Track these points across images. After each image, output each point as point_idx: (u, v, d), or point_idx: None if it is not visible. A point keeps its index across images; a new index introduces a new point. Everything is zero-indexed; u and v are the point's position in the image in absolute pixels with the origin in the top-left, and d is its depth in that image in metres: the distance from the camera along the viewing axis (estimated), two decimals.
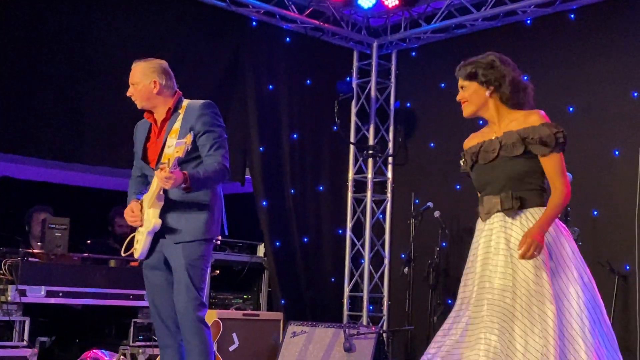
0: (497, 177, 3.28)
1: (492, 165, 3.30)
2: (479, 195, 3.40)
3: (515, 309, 3.09)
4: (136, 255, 3.89)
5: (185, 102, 3.98)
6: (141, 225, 3.87)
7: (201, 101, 3.96)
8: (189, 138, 3.62)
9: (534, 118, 3.28)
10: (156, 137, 3.95)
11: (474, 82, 3.35)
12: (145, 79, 3.93)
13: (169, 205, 3.82)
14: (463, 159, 3.47)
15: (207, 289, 3.94)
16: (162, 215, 3.81)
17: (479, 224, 3.36)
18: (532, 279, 3.09)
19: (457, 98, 3.40)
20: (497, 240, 3.23)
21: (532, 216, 3.21)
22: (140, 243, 3.85)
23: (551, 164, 3.21)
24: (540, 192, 3.25)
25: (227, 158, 3.87)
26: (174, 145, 3.75)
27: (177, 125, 3.87)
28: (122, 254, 3.95)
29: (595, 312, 3.15)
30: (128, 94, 3.98)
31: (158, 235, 3.84)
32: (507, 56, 3.44)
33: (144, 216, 3.85)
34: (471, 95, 3.36)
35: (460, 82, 3.40)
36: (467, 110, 3.39)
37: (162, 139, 3.90)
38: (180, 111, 3.92)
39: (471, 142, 3.46)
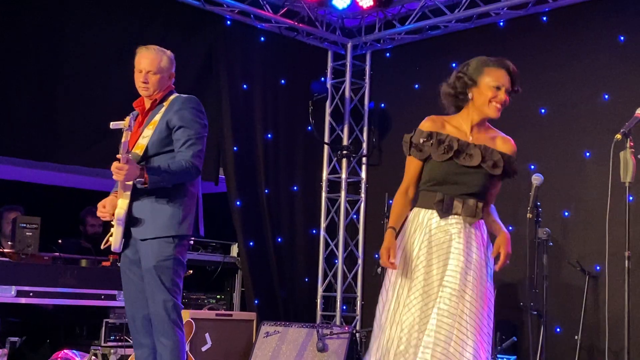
0: (468, 183, 3.29)
1: (468, 171, 3.29)
2: (426, 184, 3.34)
3: (464, 313, 3.15)
4: (112, 248, 3.82)
5: (174, 95, 3.95)
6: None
7: (185, 96, 3.93)
8: (127, 120, 3.57)
9: (511, 147, 3.43)
10: (138, 126, 3.90)
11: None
12: (167, 71, 3.95)
13: (136, 197, 3.76)
14: (426, 139, 3.32)
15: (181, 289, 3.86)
16: (131, 206, 3.75)
17: (431, 219, 3.29)
18: (480, 287, 3.21)
19: (504, 100, 3.35)
20: (456, 245, 3.23)
21: (482, 227, 3.34)
22: (113, 235, 3.79)
23: (499, 187, 3.45)
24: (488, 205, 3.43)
25: (199, 156, 3.79)
26: (147, 136, 3.74)
27: (158, 117, 3.83)
28: (102, 246, 3.89)
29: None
30: (143, 81, 3.89)
31: (130, 228, 3.78)
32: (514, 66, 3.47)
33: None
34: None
35: (509, 86, 3.36)
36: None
37: (142, 129, 3.86)
38: (165, 103, 3.89)
39: (437, 126, 3.36)
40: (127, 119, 3.60)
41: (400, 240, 3.33)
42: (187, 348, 5.25)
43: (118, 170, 3.59)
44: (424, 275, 3.22)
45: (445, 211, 3.27)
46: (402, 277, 3.28)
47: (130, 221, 3.76)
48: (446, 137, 3.32)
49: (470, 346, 3.11)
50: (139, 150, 3.79)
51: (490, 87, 3.32)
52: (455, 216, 3.27)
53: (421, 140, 3.33)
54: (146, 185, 3.65)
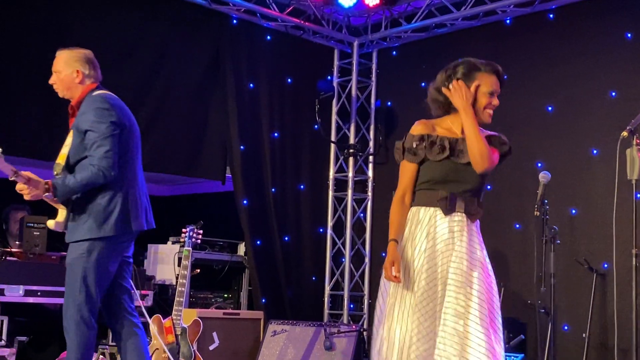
0: (467, 180, 3.29)
1: (465, 168, 3.29)
2: (426, 184, 3.32)
3: (468, 311, 3.13)
4: None
5: (92, 94, 3.89)
6: None
7: (93, 95, 3.87)
8: None
9: (496, 136, 3.40)
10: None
11: None
12: (67, 68, 3.93)
13: (68, 205, 3.82)
14: (419, 143, 3.32)
15: (95, 287, 3.79)
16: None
17: (435, 216, 3.27)
18: (485, 284, 3.19)
19: (495, 104, 3.34)
20: (459, 243, 3.22)
21: (478, 224, 3.34)
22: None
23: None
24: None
25: (107, 157, 3.71)
26: (68, 145, 3.79)
27: (76, 122, 3.84)
28: None
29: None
30: (50, 82, 3.96)
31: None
32: (487, 56, 3.45)
33: None
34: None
35: (499, 90, 3.35)
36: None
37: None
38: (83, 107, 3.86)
39: (427, 129, 3.36)
40: None
41: (400, 242, 3.32)
42: (195, 347, 5.26)
43: (20, 191, 3.66)
44: (426, 274, 3.21)
45: (449, 208, 3.26)
46: (405, 277, 3.26)
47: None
48: (437, 137, 3.33)
49: (482, 342, 3.10)
50: (61, 160, 3.82)
51: (484, 94, 3.31)
52: (458, 214, 3.26)
53: (414, 144, 3.33)
54: (56, 199, 3.72)
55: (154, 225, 3.99)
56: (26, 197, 3.70)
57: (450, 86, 3.31)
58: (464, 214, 3.26)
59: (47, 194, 3.69)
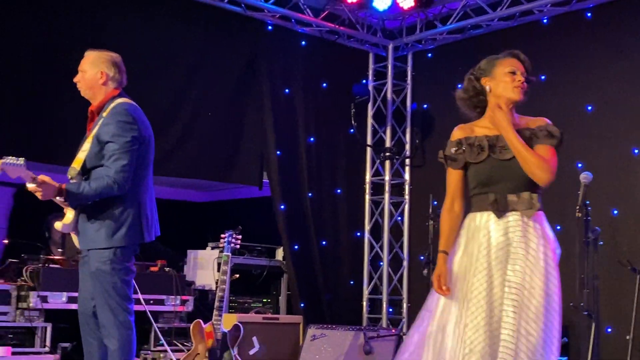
0: (514, 175, 3.22)
1: (509, 164, 3.23)
2: (476, 189, 3.29)
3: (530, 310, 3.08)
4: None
5: (115, 102, 3.89)
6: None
7: (117, 105, 3.86)
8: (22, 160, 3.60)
9: (542, 121, 3.34)
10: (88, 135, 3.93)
11: None
12: (93, 68, 3.93)
13: (81, 208, 3.84)
14: (457, 148, 3.30)
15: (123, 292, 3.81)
16: (78, 216, 3.86)
17: (489, 221, 3.22)
18: (541, 291, 3.11)
19: (523, 82, 3.31)
20: (515, 244, 3.16)
21: (540, 218, 3.23)
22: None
23: (545, 152, 3.26)
24: (541, 196, 3.27)
25: (123, 171, 3.73)
26: (85, 150, 3.81)
27: (95, 130, 3.84)
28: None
29: None
30: (75, 80, 3.97)
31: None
32: (524, 55, 3.43)
33: None
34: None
35: (523, 70, 3.34)
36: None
37: (83, 142, 3.92)
38: (103, 114, 3.86)
39: (465, 132, 3.34)
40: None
41: (457, 247, 3.28)
42: (236, 352, 5.28)
43: (33, 192, 3.69)
44: (486, 278, 3.14)
45: (501, 210, 3.21)
46: (461, 282, 3.21)
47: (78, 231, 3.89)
48: (474, 138, 3.30)
49: (536, 339, 3.05)
50: (77, 164, 3.84)
51: (506, 73, 3.31)
52: (513, 212, 3.21)
53: (453, 150, 3.33)
54: (67, 204, 3.76)
55: (159, 233, 4.02)
56: (40, 198, 3.73)
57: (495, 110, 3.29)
58: (518, 212, 3.21)
59: (58, 197, 3.73)
